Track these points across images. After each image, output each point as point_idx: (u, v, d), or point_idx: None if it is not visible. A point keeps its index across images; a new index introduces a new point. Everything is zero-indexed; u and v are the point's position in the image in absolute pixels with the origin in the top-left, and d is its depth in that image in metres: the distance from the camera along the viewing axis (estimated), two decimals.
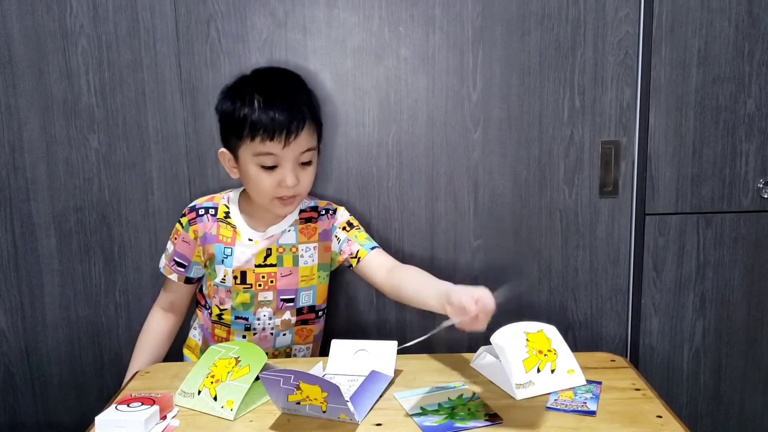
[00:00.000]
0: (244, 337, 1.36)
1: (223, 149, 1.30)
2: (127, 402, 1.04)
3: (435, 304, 1.16)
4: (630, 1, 1.40)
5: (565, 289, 1.52)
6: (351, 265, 1.36)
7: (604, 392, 1.11)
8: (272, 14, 1.41)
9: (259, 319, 1.35)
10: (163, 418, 1.05)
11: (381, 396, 1.10)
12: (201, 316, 1.42)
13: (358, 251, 1.35)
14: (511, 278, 1.49)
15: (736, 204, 1.48)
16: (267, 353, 1.15)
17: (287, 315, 1.36)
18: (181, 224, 1.35)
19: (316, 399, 1.00)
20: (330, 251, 1.37)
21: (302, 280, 1.35)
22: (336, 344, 1.22)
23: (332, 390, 0.97)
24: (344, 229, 1.37)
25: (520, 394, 1.10)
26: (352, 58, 1.43)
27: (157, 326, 1.41)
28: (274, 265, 1.33)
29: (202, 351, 1.40)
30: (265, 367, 1.11)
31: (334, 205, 1.40)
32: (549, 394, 1.11)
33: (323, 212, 1.38)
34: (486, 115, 1.45)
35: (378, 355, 1.18)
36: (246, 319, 1.35)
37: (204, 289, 1.40)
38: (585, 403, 1.07)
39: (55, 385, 1.54)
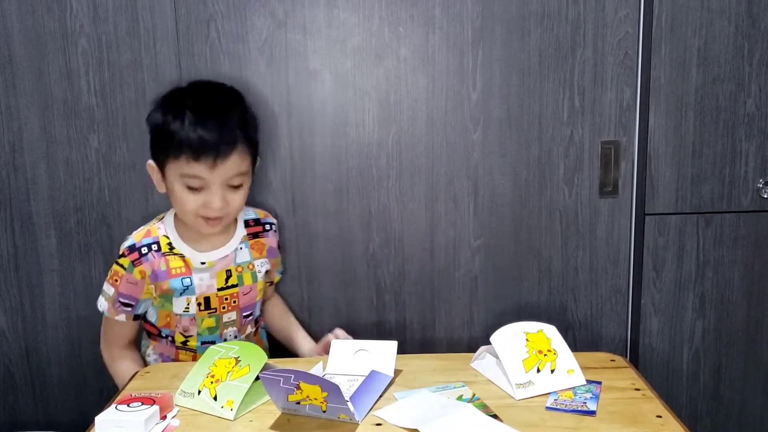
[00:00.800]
0: None
1: (150, 161, 1.27)
2: (127, 402, 1.04)
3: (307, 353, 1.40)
4: (630, 1, 1.40)
5: (565, 289, 1.52)
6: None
7: (604, 392, 1.11)
8: (272, 14, 1.41)
9: (225, 339, 1.35)
10: (163, 418, 1.05)
11: (381, 396, 1.10)
12: (157, 344, 1.37)
13: (273, 278, 1.44)
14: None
15: (736, 204, 1.48)
16: None
17: (249, 328, 1.39)
18: (121, 266, 1.27)
19: (316, 399, 1.00)
20: (275, 267, 1.43)
21: (258, 293, 1.38)
22: (336, 344, 1.22)
23: (332, 390, 0.97)
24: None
25: (519, 394, 1.10)
26: (352, 58, 1.43)
27: (129, 366, 1.32)
28: (236, 285, 1.33)
29: None
30: (265, 367, 1.11)
31: (271, 217, 1.42)
32: (549, 394, 1.11)
33: (267, 227, 1.39)
34: (486, 115, 1.45)
35: (378, 355, 1.18)
36: (213, 342, 1.31)
37: (155, 320, 1.34)
38: (585, 403, 1.07)
39: (55, 385, 1.54)
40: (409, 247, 1.50)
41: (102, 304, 1.32)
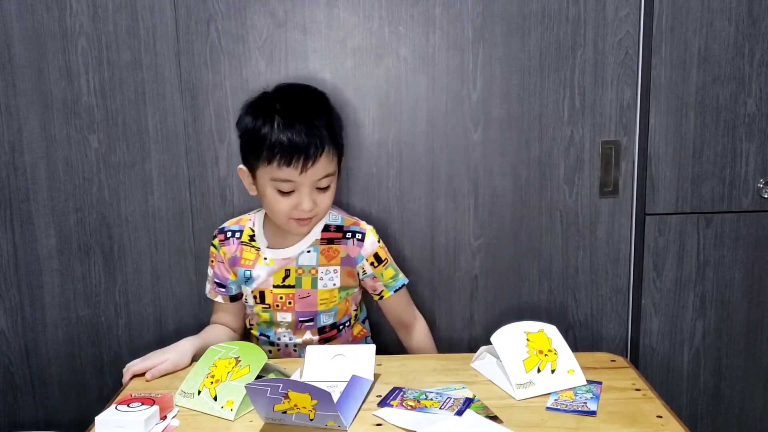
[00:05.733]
0: (270, 351, 1.37)
1: (241, 166, 1.29)
2: (127, 402, 1.04)
3: None
4: (630, 1, 1.40)
5: (565, 289, 1.52)
6: (374, 298, 1.40)
7: (605, 392, 1.11)
8: (272, 14, 1.41)
9: (279, 338, 1.35)
10: (163, 418, 1.05)
11: (365, 400, 1.09)
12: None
13: (382, 291, 1.37)
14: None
15: (736, 204, 1.48)
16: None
17: (308, 335, 1.34)
18: (214, 246, 1.35)
19: (304, 407, 0.98)
20: (353, 276, 1.35)
21: (321, 303, 1.32)
22: (311, 350, 1.19)
23: (322, 397, 0.96)
24: (372, 264, 1.34)
25: (520, 394, 1.10)
26: (352, 58, 1.43)
27: (221, 330, 1.37)
28: (293, 287, 1.32)
29: None
30: (265, 368, 1.11)
31: (362, 225, 1.35)
32: (549, 394, 1.11)
33: (349, 234, 1.33)
34: (486, 115, 1.45)
35: (356, 359, 1.16)
36: (268, 336, 1.36)
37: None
38: (585, 403, 1.07)
39: (55, 385, 1.54)
40: (409, 247, 1.50)
41: (206, 287, 1.39)
